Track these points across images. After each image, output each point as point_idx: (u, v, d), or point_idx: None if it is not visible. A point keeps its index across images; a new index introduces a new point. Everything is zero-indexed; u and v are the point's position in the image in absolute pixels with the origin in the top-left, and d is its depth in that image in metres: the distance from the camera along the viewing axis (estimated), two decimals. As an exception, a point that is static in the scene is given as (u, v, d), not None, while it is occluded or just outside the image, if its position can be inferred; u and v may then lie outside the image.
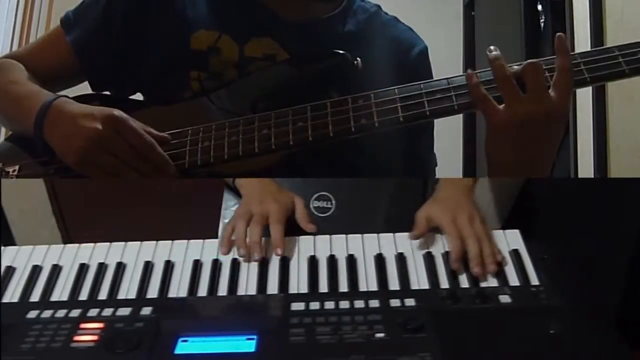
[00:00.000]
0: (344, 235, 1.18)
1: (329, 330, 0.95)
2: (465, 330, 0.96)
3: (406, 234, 1.18)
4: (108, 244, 1.18)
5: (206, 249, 1.16)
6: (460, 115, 3.25)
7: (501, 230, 1.19)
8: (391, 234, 1.18)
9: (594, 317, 0.99)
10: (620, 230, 1.16)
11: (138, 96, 1.18)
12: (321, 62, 1.05)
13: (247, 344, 0.94)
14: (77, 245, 1.18)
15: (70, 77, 1.18)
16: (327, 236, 1.18)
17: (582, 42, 2.03)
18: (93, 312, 1.01)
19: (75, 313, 1.01)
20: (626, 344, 0.93)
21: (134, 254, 1.16)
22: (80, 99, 1.07)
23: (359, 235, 1.18)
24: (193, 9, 1.12)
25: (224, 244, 1.16)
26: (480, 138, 3.34)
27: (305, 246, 1.17)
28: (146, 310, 1.01)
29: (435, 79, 1.00)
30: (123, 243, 1.18)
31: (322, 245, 1.17)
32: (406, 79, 1.09)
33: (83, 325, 0.97)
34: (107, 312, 1.01)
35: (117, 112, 0.95)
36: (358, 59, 1.03)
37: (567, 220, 1.21)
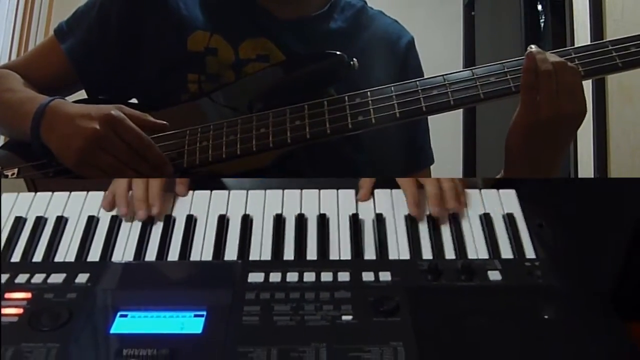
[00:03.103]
0: (316, 190, 1.05)
1: (288, 310, 0.83)
2: (446, 314, 0.84)
3: (387, 190, 1.04)
4: (49, 193, 1.04)
5: (160, 203, 1.03)
6: (461, 116, 3.41)
7: (495, 190, 1.05)
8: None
9: (594, 300, 0.86)
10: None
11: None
12: (318, 63, 1.04)
13: (194, 322, 0.82)
14: (15, 194, 1.04)
15: (67, 86, 1.17)
16: (297, 191, 1.04)
17: (582, 42, 2.02)
18: (22, 277, 0.89)
19: (2, 279, 0.88)
20: (627, 333, 0.81)
21: (77, 206, 1.02)
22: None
23: (334, 191, 1.04)
24: (188, 11, 1.12)
25: (107, 199, 1.04)
26: (480, 138, 3.33)
27: (272, 202, 1.03)
28: (82, 278, 0.89)
29: (431, 75, 1.00)
30: (66, 193, 1.04)
31: (290, 201, 1.03)
32: (397, 69, 1.16)
33: (8, 295, 0.85)
34: (38, 278, 0.89)
35: (115, 112, 0.94)
36: (354, 59, 1.02)
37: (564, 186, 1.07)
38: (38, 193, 1.04)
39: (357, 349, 0.77)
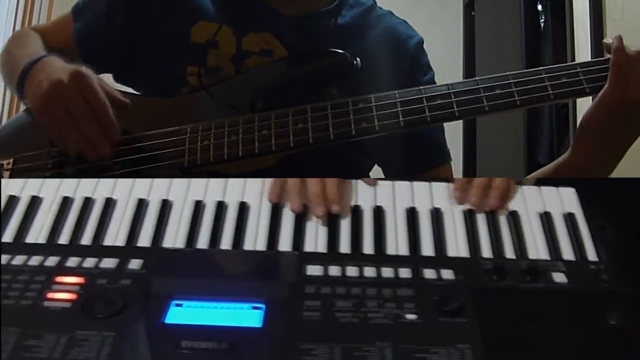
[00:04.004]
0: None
1: (350, 306, 0.80)
2: (512, 316, 0.81)
3: (444, 184, 1.01)
4: (96, 175, 1.01)
5: (210, 189, 1.00)
6: None
7: (554, 188, 1.02)
8: (427, 183, 1.01)
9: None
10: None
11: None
12: (320, 61, 1.04)
13: (253, 315, 0.80)
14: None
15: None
16: (352, 181, 1.01)
17: (582, 42, 2.06)
18: (73, 261, 0.86)
19: (52, 262, 0.86)
20: None
21: (126, 188, 0.99)
22: None
23: (389, 183, 1.01)
24: (194, 1, 1.11)
25: (274, 190, 1.00)
26: (480, 139, 3.32)
27: (326, 192, 1.00)
28: (135, 264, 0.86)
29: (436, 84, 1.00)
30: (113, 175, 1.01)
31: (346, 193, 1.00)
32: (406, 68, 1.15)
33: (59, 279, 0.83)
34: (89, 262, 0.86)
35: (85, 69, 0.95)
36: (357, 58, 1.01)
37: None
38: (84, 176, 1.01)
39: (423, 350, 0.75)
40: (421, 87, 0.97)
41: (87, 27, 1.15)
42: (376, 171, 1.22)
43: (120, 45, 1.12)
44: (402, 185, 1.01)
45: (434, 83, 1.13)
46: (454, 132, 3.32)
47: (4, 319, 0.76)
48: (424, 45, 1.22)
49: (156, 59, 1.11)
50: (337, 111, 0.97)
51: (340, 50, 1.01)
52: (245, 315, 0.80)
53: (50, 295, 0.80)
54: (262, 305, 0.81)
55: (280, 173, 1.01)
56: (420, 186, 1.02)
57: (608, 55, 0.97)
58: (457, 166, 3.31)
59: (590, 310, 0.82)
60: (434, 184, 1.02)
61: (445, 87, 0.97)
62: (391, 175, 1.20)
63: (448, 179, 1.15)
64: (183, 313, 0.80)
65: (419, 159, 1.16)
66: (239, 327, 0.78)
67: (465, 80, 0.97)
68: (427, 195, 1.00)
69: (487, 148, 3.29)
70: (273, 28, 1.10)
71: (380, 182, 1.02)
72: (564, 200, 1.00)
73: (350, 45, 1.04)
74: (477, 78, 0.97)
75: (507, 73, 0.97)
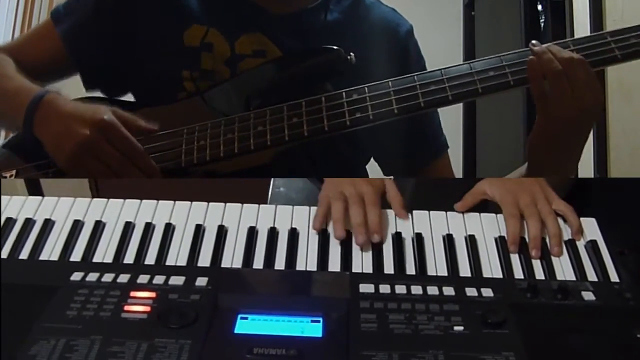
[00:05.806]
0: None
1: (402, 319, 0.88)
2: (548, 329, 0.88)
3: (476, 214, 1.10)
4: (155, 201, 1.09)
5: (262, 216, 1.08)
6: (460, 115, 3.42)
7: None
8: (460, 214, 1.10)
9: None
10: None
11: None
12: (315, 59, 1.04)
13: (312, 327, 0.87)
14: (121, 200, 1.09)
15: (61, 71, 1.16)
16: (391, 210, 1.09)
17: None
18: (143, 278, 0.93)
19: (123, 278, 0.93)
20: None
21: (183, 215, 1.07)
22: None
23: (426, 212, 1.10)
24: (185, 3, 1.10)
25: (319, 219, 1.06)
26: (480, 138, 3.36)
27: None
28: (201, 281, 0.93)
29: (428, 70, 1.00)
30: (171, 202, 1.09)
31: (385, 221, 1.08)
32: (398, 58, 1.15)
33: (134, 294, 0.90)
34: (159, 279, 0.93)
35: (108, 117, 0.92)
36: (352, 53, 1.01)
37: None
38: (144, 201, 1.09)
39: (473, 357, 0.82)
40: (414, 74, 0.97)
41: (76, 28, 1.12)
42: (372, 170, 1.25)
43: (112, 46, 1.10)
44: (437, 215, 1.10)
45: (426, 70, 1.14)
46: (453, 128, 3.32)
47: (86, 328, 0.83)
48: (423, 45, 1.21)
49: (150, 61, 1.09)
50: (331, 103, 0.97)
51: (334, 47, 1.01)
52: (306, 327, 0.87)
53: (127, 307, 0.87)
54: (320, 319, 0.88)
55: (276, 169, 1.02)
56: (454, 215, 1.10)
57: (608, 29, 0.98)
58: (456, 163, 3.32)
59: (619, 325, 0.90)
60: (466, 214, 1.10)
61: (438, 73, 0.97)
62: (390, 172, 1.24)
63: (447, 173, 1.25)
64: (250, 325, 0.87)
65: (417, 153, 1.20)
66: (302, 336, 0.85)
67: (458, 64, 0.98)
68: (461, 223, 1.09)
69: (486, 144, 3.30)
70: (263, 28, 1.09)
71: (416, 211, 1.10)
72: (586, 229, 1.08)
73: (342, 40, 1.03)
74: (469, 61, 0.97)
75: (500, 54, 0.97)
